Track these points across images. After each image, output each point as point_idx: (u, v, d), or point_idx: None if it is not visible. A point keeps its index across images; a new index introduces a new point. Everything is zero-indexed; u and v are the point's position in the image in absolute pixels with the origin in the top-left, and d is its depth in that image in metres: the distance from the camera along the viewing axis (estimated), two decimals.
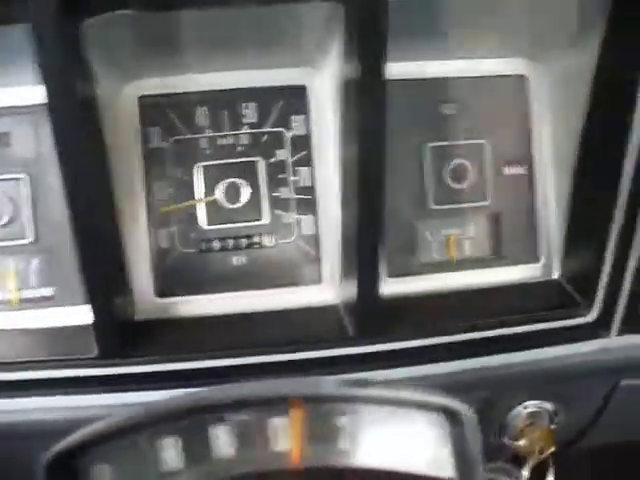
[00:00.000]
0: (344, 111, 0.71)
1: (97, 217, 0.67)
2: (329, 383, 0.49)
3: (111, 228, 0.73)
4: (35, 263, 0.80)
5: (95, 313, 0.70)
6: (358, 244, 0.70)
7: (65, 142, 0.63)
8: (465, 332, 0.76)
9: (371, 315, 0.73)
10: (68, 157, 0.63)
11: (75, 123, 0.63)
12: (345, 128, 0.72)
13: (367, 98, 0.64)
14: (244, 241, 0.80)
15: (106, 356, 0.72)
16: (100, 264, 0.69)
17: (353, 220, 0.70)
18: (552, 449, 0.86)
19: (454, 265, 0.82)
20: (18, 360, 0.74)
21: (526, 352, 0.79)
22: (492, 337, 0.77)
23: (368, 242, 0.69)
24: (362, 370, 0.75)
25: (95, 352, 0.72)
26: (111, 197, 0.73)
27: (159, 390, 0.74)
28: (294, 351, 0.74)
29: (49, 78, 0.60)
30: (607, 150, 0.74)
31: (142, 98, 0.79)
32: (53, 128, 0.62)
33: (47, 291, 0.80)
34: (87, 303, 0.75)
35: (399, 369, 0.76)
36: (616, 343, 0.81)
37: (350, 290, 0.74)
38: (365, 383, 0.48)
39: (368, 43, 0.63)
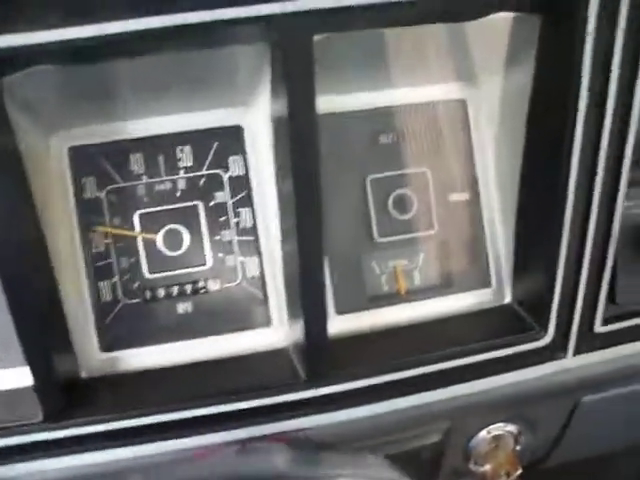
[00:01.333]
0: (277, 149, 0.70)
1: (30, 273, 0.65)
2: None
3: (46, 284, 0.71)
4: None
5: (35, 374, 0.69)
6: (301, 283, 0.68)
7: None
8: (420, 366, 0.75)
9: (321, 356, 0.72)
10: None
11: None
12: (280, 166, 0.70)
13: (298, 134, 0.63)
14: (189, 287, 0.78)
15: (52, 419, 0.70)
16: (36, 322, 0.67)
17: (294, 259, 0.69)
18: (518, 471, 0.86)
19: (404, 296, 0.81)
20: None
21: (484, 380, 0.78)
22: (448, 368, 0.76)
23: (311, 280, 0.68)
24: (315, 413, 0.74)
25: (40, 416, 0.70)
26: (45, 252, 0.71)
27: (109, 449, 0.72)
28: (245, 399, 0.73)
29: None
30: (548, 170, 0.73)
31: (72, 149, 0.77)
32: None
33: None
34: (22, 365, 0.73)
35: (355, 409, 0.75)
36: (574, 363, 0.81)
37: (298, 331, 0.73)
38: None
39: (295, 80, 0.62)
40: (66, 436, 0.72)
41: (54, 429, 0.71)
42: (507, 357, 0.79)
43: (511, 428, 0.88)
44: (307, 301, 0.69)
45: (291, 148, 0.64)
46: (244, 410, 0.74)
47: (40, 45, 0.58)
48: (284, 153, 0.68)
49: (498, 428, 0.87)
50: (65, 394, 0.72)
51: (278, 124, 0.69)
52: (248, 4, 0.59)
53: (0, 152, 0.63)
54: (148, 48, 0.64)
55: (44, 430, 0.71)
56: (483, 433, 0.87)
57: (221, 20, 0.60)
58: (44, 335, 0.69)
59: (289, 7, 0.60)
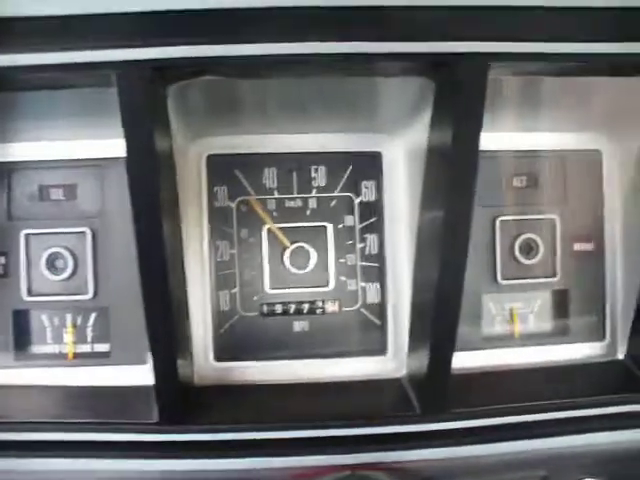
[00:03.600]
0: (428, 179, 0.69)
1: (167, 275, 0.65)
2: None
3: (179, 287, 0.72)
4: (92, 319, 0.79)
5: (158, 376, 0.69)
6: (436, 315, 0.68)
7: (141, 195, 0.62)
8: (529, 413, 0.74)
9: (441, 391, 0.71)
10: (143, 210, 0.62)
11: (153, 176, 0.62)
12: (427, 196, 0.70)
13: (459, 168, 0.63)
14: (306, 306, 0.78)
15: (167, 422, 0.71)
16: (167, 325, 0.68)
17: (429, 290, 0.68)
18: None
19: (517, 340, 0.80)
20: (74, 421, 0.72)
21: (588, 435, 0.77)
22: (554, 419, 0.76)
23: (447, 313, 0.68)
24: (425, 447, 0.74)
25: (156, 417, 0.71)
26: (181, 255, 0.72)
27: (216, 459, 0.72)
28: (355, 426, 0.73)
29: (131, 134, 0.60)
30: None
31: (210, 157, 0.77)
32: (130, 181, 0.61)
33: (103, 347, 0.79)
34: (144, 363, 0.75)
35: (461, 448, 0.75)
36: None
37: (419, 363, 0.72)
38: None
39: (464, 115, 0.62)
40: (178, 440, 0.72)
41: (167, 432, 0.71)
42: (616, 415, 0.77)
43: None
44: (438, 334, 0.69)
45: (450, 181, 0.64)
46: (353, 436, 0.73)
47: (213, 58, 0.58)
48: (436, 184, 0.67)
49: None
50: (181, 400, 0.72)
51: (433, 155, 0.68)
52: (423, 40, 0.59)
53: (160, 154, 0.63)
54: (315, 70, 0.64)
55: (157, 432, 0.71)
56: None
57: (395, 53, 0.59)
58: (172, 339, 0.69)
59: (466, 47, 0.59)
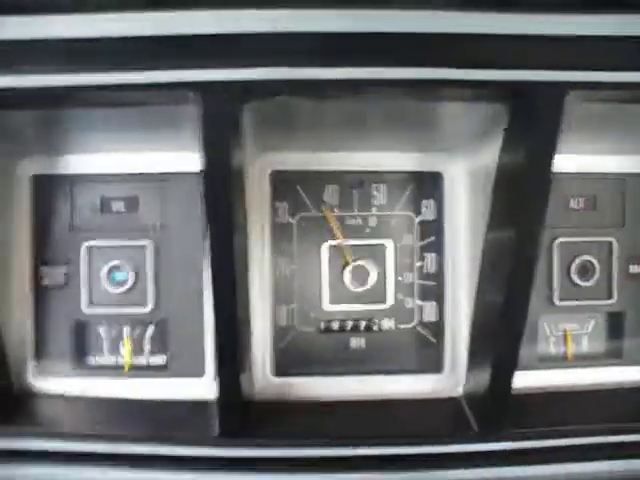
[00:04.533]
0: (496, 199, 0.70)
1: (237, 289, 0.66)
2: None
3: (245, 302, 0.72)
4: (150, 331, 0.79)
5: (221, 390, 0.69)
6: (498, 335, 0.68)
7: (216, 209, 0.63)
8: (584, 436, 0.75)
9: (499, 410, 0.72)
10: (216, 224, 0.63)
11: (228, 191, 0.63)
12: (497, 217, 0.70)
13: (532, 191, 0.64)
14: (363, 323, 0.79)
15: (227, 436, 0.71)
16: (234, 340, 0.68)
17: (493, 309, 0.69)
18: None
19: (571, 361, 0.81)
20: (131, 433, 0.72)
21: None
22: (608, 443, 0.76)
23: (511, 333, 0.68)
24: (482, 467, 0.74)
25: (215, 431, 0.71)
26: (247, 269, 0.72)
27: (274, 474, 0.72)
28: (413, 444, 0.73)
29: (209, 149, 0.61)
30: None
31: (273, 173, 0.78)
32: (205, 195, 0.62)
33: (160, 360, 0.79)
34: (201, 376, 0.77)
35: (518, 467, 0.75)
36: None
37: (478, 382, 0.72)
38: None
39: (540, 142, 0.62)
40: (237, 456, 0.72)
41: (227, 445, 0.71)
42: None
43: None
44: (501, 353, 0.69)
45: (521, 203, 0.64)
46: (409, 455, 0.73)
47: (296, 81, 0.59)
48: (505, 206, 0.68)
49: None
50: (242, 414, 0.72)
51: (503, 178, 0.69)
52: (501, 68, 0.60)
53: (235, 170, 0.64)
54: (392, 95, 0.64)
55: (217, 445, 0.71)
56: None
57: (473, 81, 0.60)
58: (236, 354, 0.69)
59: (545, 76, 0.60)
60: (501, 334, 0.69)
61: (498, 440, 0.73)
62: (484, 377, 0.71)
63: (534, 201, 0.64)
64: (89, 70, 0.59)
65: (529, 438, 0.74)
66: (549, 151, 0.63)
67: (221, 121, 0.61)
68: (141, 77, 0.59)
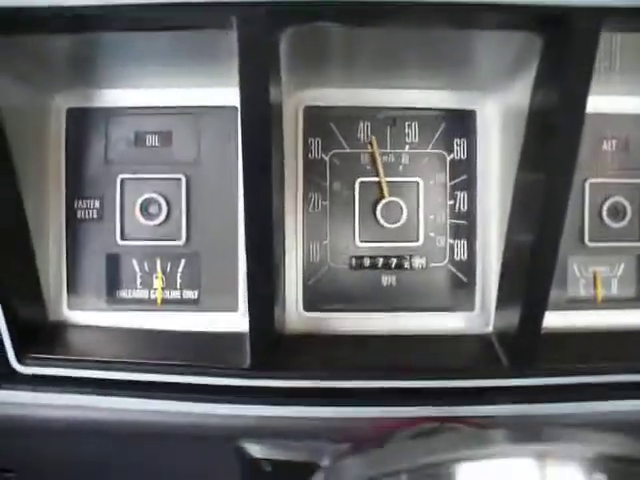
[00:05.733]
0: (528, 138, 0.70)
1: (272, 223, 0.66)
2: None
3: (280, 238, 0.72)
4: (182, 265, 0.80)
5: (253, 323, 0.70)
6: (531, 273, 0.68)
7: (254, 143, 0.63)
8: (614, 374, 0.75)
9: (529, 347, 0.72)
10: (254, 159, 0.63)
11: (266, 125, 0.63)
12: (528, 157, 0.70)
13: (565, 130, 0.63)
14: (394, 261, 0.79)
15: (259, 367, 0.72)
16: (267, 273, 0.68)
17: (524, 249, 0.69)
18: None
19: (600, 303, 0.81)
20: (164, 362, 0.73)
21: None
22: (635, 382, 0.76)
23: (541, 273, 0.68)
24: (513, 403, 0.74)
25: (248, 362, 0.72)
26: (283, 206, 0.73)
27: (305, 406, 0.73)
28: (443, 379, 0.73)
29: (247, 81, 0.61)
30: None
31: (307, 109, 0.78)
32: (243, 129, 0.62)
33: (192, 294, 0.80)
34: (233, 310, 0.78)
35: (548, 405, 0.75)
36: None
37: (508, 320, 0.73)
38: None
39: (573, 78, 0.62)
40: (269, 386, 0.72)
41: (258, 377, 0.72)
42: None
43: None
44: (531, 292, 0.69)
45: (553, 143, 0.64)
46: (441, 389, 0.74)
47: (324, 2, 0.59)
48: (537, 145, 0.68)
49: None
50: (274, 346, 0.73)
51: (536, 115, 0.69)
52: None
53: (273, 103, 0.63)
54: (423, 19, 0.64)
55: (249, 377, 0.72)
56: None
57: (504, 4, 0.60)
58: (269, 287, 0.69)
59: (579, 1, 0.60)
60: (531, 274, 0.69)
61: (528, 376, 0.74)
62: (514, 316, 0.71)
63: (566, 141, 0.64)
64: None
65: (558, 374, 0.74)
66: (584, 86, 0.62)
67: (260, 49, 0.60)
68: None
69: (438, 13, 0.62)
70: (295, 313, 0.78)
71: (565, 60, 0.62)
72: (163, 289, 0.79)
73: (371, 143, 0.79)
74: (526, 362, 0.73)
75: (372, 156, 0.80)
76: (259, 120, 0.62)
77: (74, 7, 0.60)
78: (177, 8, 0.60)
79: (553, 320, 0.78)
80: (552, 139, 0.64)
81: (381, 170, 0.78)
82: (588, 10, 0.60)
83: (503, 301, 0.76)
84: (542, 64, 0.67)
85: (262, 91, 0.62)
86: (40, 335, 0.77)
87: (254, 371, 0.72)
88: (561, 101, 0.63)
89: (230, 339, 0.77)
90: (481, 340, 0.78)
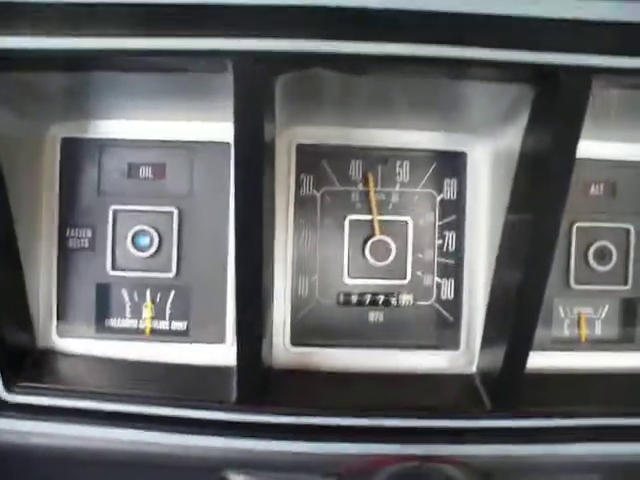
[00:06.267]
0: (519, 183, 0.71)
1: (262, 258, 0.67)
2: None
3: (267, 272, 0.73)
4: (172, 297, 0.80)
5: (241, 357, 0.71)
6: (517, 314, 0.69)
7: (246, 180, 0.64)
8: (595, 417, 0.76)
9: (512, 388, 0.73)
10: (246, 194, 0.64)
11: (259, 162, 0.64)
12: (518, 199, 0.71)
13: (555, 174, 0.64)
14: (382, 298, 0.80)
15: (245, 402, 0.72)
16: (256, 308, 0.69)
17: (510, 290, 0.70)
18: None
19: (584, 344, 0.82)
20: (150, 394, 0.74)
21: None
22: (616, 426, 0.77)
23: (528, 313, 0.69)
24: (493, 443, 0.75)
25: (234, 397, 0.72)
26: (273, 240, 0.74)
27: (290, 441, 0.74)
28: (427, 417, 0.74)
29: (242, 120, 0.62)
30: None
31: (300, 146, 0.79)
32: (236, 165, 0.63)
33: (180, 325, 0.80)
34: (221, 342, 0.78)
35: (529, 446, 0.76)
36: None
37: (492, 360, 0.74)
38: None
39: (564, 124, 0.63)
40: (253, 421, 0.73)
41: (244, 411, 0.73)
42: None
43: None
44: (516, 333, 0.70)
45: (543, 187, 0.65)
46: (423, 428, 0.75)
47: (329, 54, 0.60)
48: (527, 189, 0.69)
49: None
50: (261, 380, 0.73)
51: (526, 160, 0.70)
52: (532, 50, 0.61)
53: (266, 140, 0.64)
54: (422, 72, 0.65)
55: (235, 411, 0.73)
56: None
57: (502, 61, 0.61)
58: (257, 321, 0.70)
59: (573, 60, 0.61)
60: (517, 315, 0.70)
61: (510, 417, 0.75)
62: (498, 356, 0.72)
63: (556, 185, 0.65)
64: (122, 35, 0.60)
65: (540, 416, 0.75)
66: (573, 136, 0.63)
67: (255, 92, 0.62)
68: (175, 44, 0.60)
69: (433, 66, 0.63)
70: (282, 348, 0.79)
71: (557, 111, 0.63)
72: (152, 319, 0.80)
73: (366, 180, 0.80)
74: (508, 403, 0.74)
75: (366, 194, 0.80)
76: (252, 157, 0.64)
77: (70, 50, 0.61)
78: (172, 54, 0.61)
79: (537, 361, 0.79)
80: (542, 182, 0.66)
81: (375, 208, 0.79)
82: (579, 68, 0.61)
83: (488, 341, 0.77)
84: (534, 112, 0.68)
85: (256, 129, 0.63)
86: (28, 362, 0.77)
87: (240, 405, 0.73)
88: (552, 147, 0.64)
89: (217, 373, 0.77)
90: (464, 380, 0.79)
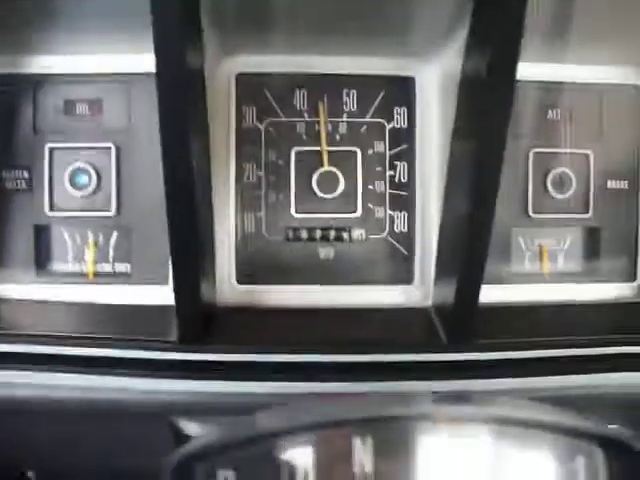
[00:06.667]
0: (460, 106, 0.68)
1: (194, 194, 0.64)
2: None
3: (205, 208, 0.70)
4: (114, 237, 0.77)
5: (179, 296, 0.67)
6: (467, 245, 0.66)
7: (171, 111, 0.59)
8: (553, 348, 0.73)
9: (466, 321, 0.70)
10: (171, 128, 0.60)
11: (183, 92, 0.60)
12: (460, 124, 0.68)
13: (495, 96, 0.61)
14: (333, 233, 0.77)
15: (186, 341, 0.69)
16: (191, 245, 0.66)
17: (459, 220, 0.67)
18: None
19: (546, 277, 0.79)
20: (92, 335, 0.71)
21: (609, 375, 0.75)
22: (576, 356, 0.74)
23: (478, 243, 0.66)
24: (449, 378, 0.72)
25: (175, 336, 0.69)
26: (208, 176, 0.70)
27: (234, 380, 0.71)
28: (379, 352, 0.71)
29: (162, 43, 0.57)
30: None
31: (240, 76, 0.75)
32: (159, 96, 0.59)
33: (124, 267, 0.77)
34: (165, 284, 0.75)
35: (485, 380, 0.73)
36: None
37: (446, 294, 0.71)
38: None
39: (502, 41, 0.59)
40: (196, 359, 0.70)
41: (186, 351, 0.70)
42: None
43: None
44: (467, 265, 0.67)
45: (484, 109, 0.62)
46: (376, 363, 0.72)
47: None
48: (469, 112, 0.65)
49: None
50: (202, 320, 0.70)
51: (467, 81, 0.66)
52: None
53: (192, 70, 0.61)
54: None
55: (176, 350, 0.70)
56: None
57: None
58: (195, 259, 0.67)
59: None
60: (467, 246, 0.66)
61: (465, 350, 0.71)
62: (451, 289, 0.69)
63: (497, 107, 0.61)
64: None
65: (496, 349, 0.72)
66: (513, 49, 0.59)
67: (174, 12, 0.57)
68: None
69: None
70: (228, 285, 0.76)
71: (493, 22, 0.60)
72: (95, 262, 0.77)
73: (312, 110, 0.76)
74: (464, 337, 0.71)
75: (312, 125, 0.77)
76: (175, 88, 0.59)
77: None
78: None
79: (497, 294, 0.76)
80: (483, 105, 0.62)
81: (324, 138, 0.76)
82: None
83: (441, 274, 0.74)
84: (472, 26, 0.64)
85: (177, 56, 0.58)
86: None
87: (181, 345, 0.70)
88: (490, 64, 0.60)
89: (161, 313, 0.74)
90: (420, 314, 0.76)
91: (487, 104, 0.61)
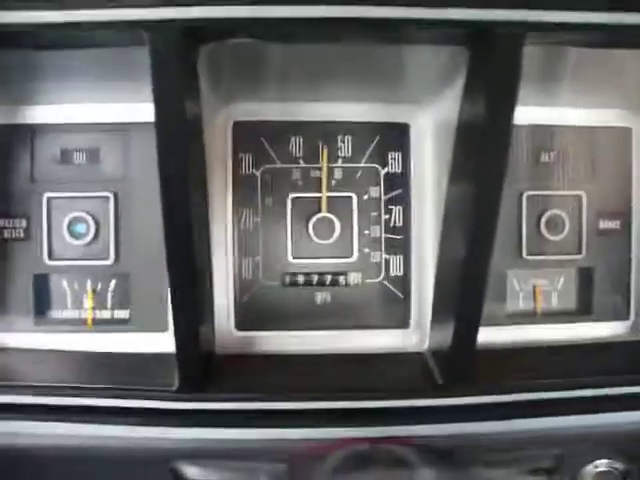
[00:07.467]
0: (457, 151, 0.68)
1: (192, 241, 0.64)
2: None
3: (204, 254, 0.71)
4: (113, 285, 0.78)
5: (179, 343, 0.68)
6: (462, 289, 0.67)
7: (170, 160, 0.60)
8: (550, 390, 0.74)
9: (463, 365, 0.70)
10: (171, 176, 0.61)
11: (182, 141, 0.60)
12: (456, 169, 0.69)
13: (493, 142, 0.62)
14: (329, 278, 0.77)
15: (187, 390, 0.70)
16: (190, 291, 0.66)
17: (456, 264, 0.68)
18: None
19: (540, 317, 0.80)
20: (91, 386, 0.71)
21: (607, 415, 0.76)
22: (574, 397, 0.75)
23: (474, 287, 0.67)
24: (446, 422, 0.73)
25: (174, 384, 0.70)
26: (207, 222, 0.71)
27: (234, 428, 0.72)
28: (376, 399, 0.72)
29: (161, 96, 0.58)
30: None
31: (237, 124, 0.76)
32: (159, 145, 0.60)
33: (123, 314, 0.78)
34: (163, 330, 0.76)
35: (482, 423, 0.74)
36: None
37: (443, 337, 0.71)
38: None
39: (500, 90, 0.60)
40: (197, 408, 0.71)
41: (186, 400, 0.70)
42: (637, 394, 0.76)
43: (619, 466, 0.85)
44: (464, 308, 0.68)
45: (481, 155, 0.63)
46: (373, 409, 0.72)
47: (245, 19, 0.57)
48: (466, 158, 0.66)
49: (606, 464, 0.85)
50: (203, 367, 0.71)
51: (464, 128, 0.67)
52: (461, 7, 0.58)
53: (190, 119, 0.62)
54: (348, 35, 0.62)
55: (177, 399, 0.70)
56: (590, 467, 0.85)
57: (431, 20, 0.58)
58: (195, 305, 0.68)
59: (504, 16, 0.58)
60: (464, 289, 0.67)
61: (462, 394, 0.72)
62: (448, 332, 0.70)
63: (494, 153, 0.62)
64: (33, 8, 0.57)
65: (494, 392, 0.73)
66: (510, 98, 0.60)
67: (173, 65, 0.58)
68: (87, 15, 0.57)
69: (362, 29, 0.60)
70: (227, 332, 0.76)
71: (490, 72, 0.61)
72: (94, 309, 0.77)
73: (307, 157, 0.77)
74: (460, 380, 0.72)
75: (308, 171, 0.78)
76: (174, 138, 0.60)
77: None
78: (84, 27, 0.59)
79: (493, 335, 0.77)
80: (480, 150, 0.63)
81: (324, 184, 0.76)
82: (510, 24, 0.58)
83: (437, 317, 0.75)
84: (469, 76, 0.65)
85: (178, 107, 0.60)
86: None
87: (181, 393, 0.70)
88: (488, 112, 0.61)
89: (160, 361, 0.75)
90: (416, 358, 0.77)
91: (485, 150, 0.62)
